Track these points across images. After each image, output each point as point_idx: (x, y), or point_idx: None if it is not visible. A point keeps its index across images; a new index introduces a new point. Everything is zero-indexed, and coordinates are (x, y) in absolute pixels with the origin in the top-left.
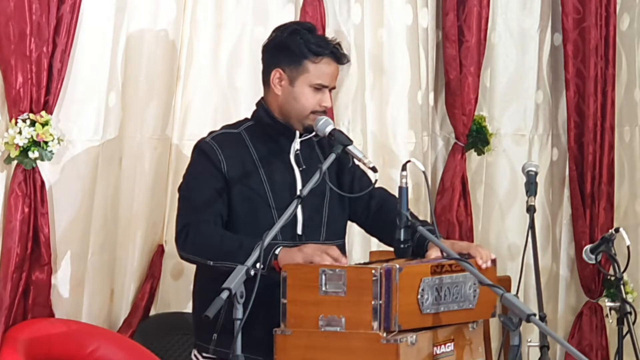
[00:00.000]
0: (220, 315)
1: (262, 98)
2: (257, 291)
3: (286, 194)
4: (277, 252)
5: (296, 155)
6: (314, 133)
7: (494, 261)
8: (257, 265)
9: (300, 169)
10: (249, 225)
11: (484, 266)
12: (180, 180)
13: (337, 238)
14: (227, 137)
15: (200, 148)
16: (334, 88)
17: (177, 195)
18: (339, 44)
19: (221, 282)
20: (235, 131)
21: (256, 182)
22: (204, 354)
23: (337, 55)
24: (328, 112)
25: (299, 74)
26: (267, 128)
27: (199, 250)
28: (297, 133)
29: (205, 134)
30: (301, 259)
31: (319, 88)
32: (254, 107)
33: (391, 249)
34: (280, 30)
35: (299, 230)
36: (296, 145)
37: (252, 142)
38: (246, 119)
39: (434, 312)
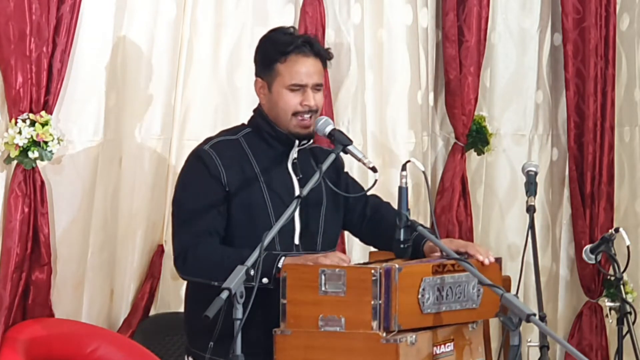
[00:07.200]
0: (218, 322)
1: (259, 105)
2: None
3: (285, 202)
4: (280, 265)
5: (294, 164)
6: (311, 141)
7: (498, 260)
8: (263, 280)
9: (298, 177)
10: (248, 234)
11: (486, 262)
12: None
13: (331, 247)
14: (226, 145)
15: (199, 156)
16: (318, 85)
17: None
18: (307, 37)
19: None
20: (233, 137)
21: (256, 190)
22: None
23: (306, 49)
24: (322, 111)
25: (273, 78)
26: (265, 135)
27: (201, 273)
28: (296, 141)
29: (205, 134)
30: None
31: (296, 89)
32: (252, 112)
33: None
34: (260, 40)
35: (296, 240)
36: (294, 153)
37: (251, 150)
38: (243, 125)
39: (435, 312)
